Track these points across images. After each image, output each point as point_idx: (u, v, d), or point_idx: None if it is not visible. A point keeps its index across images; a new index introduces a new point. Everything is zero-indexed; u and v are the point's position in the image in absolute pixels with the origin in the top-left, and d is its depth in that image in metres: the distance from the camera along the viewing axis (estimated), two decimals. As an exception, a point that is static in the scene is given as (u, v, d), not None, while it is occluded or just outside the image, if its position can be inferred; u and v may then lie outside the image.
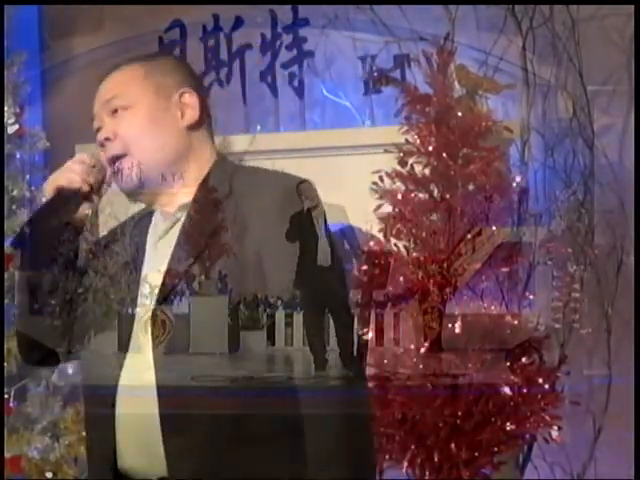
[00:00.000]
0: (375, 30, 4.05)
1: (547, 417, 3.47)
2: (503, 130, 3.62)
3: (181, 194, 2.07)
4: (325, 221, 1.97)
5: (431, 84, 3.57)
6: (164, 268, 2.02)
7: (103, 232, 2.13)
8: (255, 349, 1.98)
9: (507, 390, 3.38)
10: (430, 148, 3.50)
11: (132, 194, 2.10)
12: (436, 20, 3.87)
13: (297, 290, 1.94)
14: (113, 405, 2.00)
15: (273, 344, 1.97)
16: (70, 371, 3.79)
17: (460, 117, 3.51)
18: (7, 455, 3.68)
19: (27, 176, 3.96)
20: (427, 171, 3.52)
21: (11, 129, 3.94)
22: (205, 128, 2.11)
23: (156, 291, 2.02)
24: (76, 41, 4.72)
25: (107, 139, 2.08)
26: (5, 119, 3.91)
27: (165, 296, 1.99)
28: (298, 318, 1.96)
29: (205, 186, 2.06)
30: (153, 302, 2.01)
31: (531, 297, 3.64)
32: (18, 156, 3.96)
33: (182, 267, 1.99)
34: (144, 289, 2.04)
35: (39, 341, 2.11)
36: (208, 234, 1.99)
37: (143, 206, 2.16)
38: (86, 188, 2.08)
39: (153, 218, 2.13)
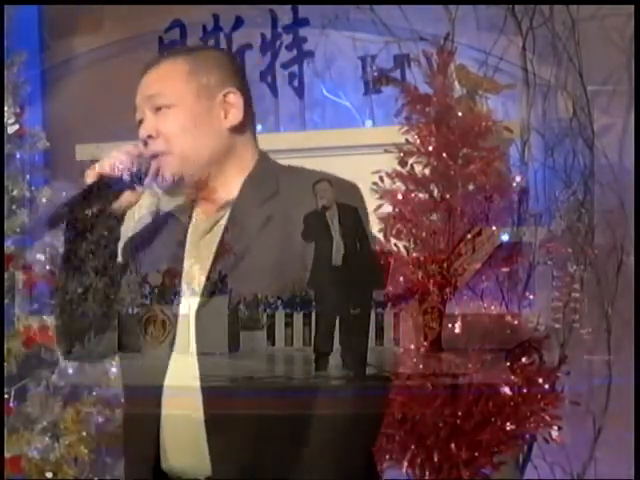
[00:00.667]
0: (375, 30, 4.05)
1: (547, 417, 3.47)
2: (503, 130, 3.62)
3: (223, 193, 2.06)
4: (340, 221, 1.96)
5: (431, 84, 3.57)
6: (207, 266, 2.00)
7: (103, 232, 2.12)
8: (255, 349, 1.98)
9: (507, 390, 3.38)
10: (430, 148, 3.50)
11: (171, 191, 2.09)
12: (436, 20, 3.87)
13: (311, 289, 1.94)
14: (158, 405, 2.00)
15: (273, 344, 1.97)
16: (70, 371, 3.79)
17: (460, 117, 3.51)
18: (7, 455, 3.68)
19: (27, 176, 3.96)
20: (427, 171, 3.52)
21: (11, 129, 3.94)
22: (248, 127, 2.09)
23: (156, 291, 2.02)
24: (76, 41, 4.72)
25: (149, 136, 2.06)
26: (5, 119, 3.91)
27: (209, 294, 1.98)
28: (298, 318, 1.96)
29: (248, 185, 2.05)
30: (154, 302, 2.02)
31: (531, 297, 3.64)
32: (18, 156, 3.96)
33: (226, 266, 1.98)
34: (144, 289, 2.04)
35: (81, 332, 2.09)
36: (251, 233, 1.98)
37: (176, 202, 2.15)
38: (128, 177, 2.05)
39: (193, 216, 2.11)
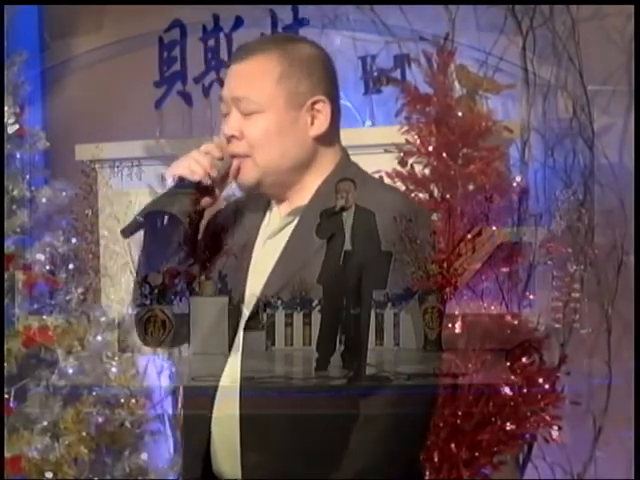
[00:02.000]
0: (375, 30, 4.05)
1: (547, 417, 3.47)
2: (503, 130, 3.62)
3: (297, 197, 2.05)
4: (354, 223, 1.95)
5: (431, 84, 3.57)
6: (269, 268, 2.01)
7: (103, 232, 2.12)
8: (255, 349, 1.98)
9: (507, 390, 3.38)
10: (430, 148, 3.50)
11: (247, 193, 2.10)
12: (436, 20, 3.87)
13: (320, 285, 1.93)
14: (211, 407, 2.00)
15: (273, 344, 1.97)
16: (70, 371, 3.79)
17: (460, 117, 3.51)
18: (7, 455, 3.68)
19: (27, 176, 3.96)
20: (427, 171, 3.52)
21: (11, 129, 3.93)
22: (333, 133, 2.06)
23: (156, 291, 2.02)
24: (76, 41, 4.72)
25: (233, 136, 2.03)
26: (5, 119, 3.91)
27: (270, 298, 1.97)
28: (298, 318, 1.96)
29: (321, 193, 2.03)
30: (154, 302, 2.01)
31: (531, 297, 3.64)
32: (18, 156, 3.96)
33: (287, 271, 1.98)
34: (144, 289, 2.04)
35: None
36: (318, 242, 1.96)
37: None
38: (207, 181, 2.03)
39: (267, 215, 2.11)
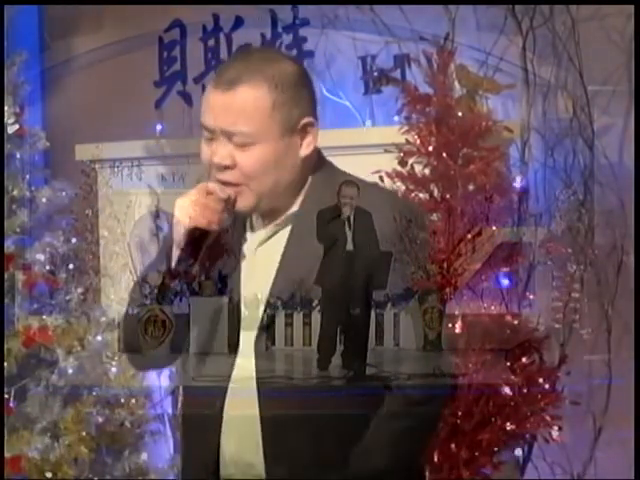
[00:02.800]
0: (375, 30, 4.05)
1: (547, 417, 3.47)
2: (503, 130, 3.62)
3: (284, 205, 2.05)
4: (354, 223, 1.95)
5: (431, 84, 3.57)
6: (263, 277, 2.01)
7: (103, 232, 2.12)
8: (255, 349, 1.98)
9: (507, 390, 3.38)
10: (430, 148, 3.50)
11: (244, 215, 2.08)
12: (436, 20, 3.87)
13: (318, 286, 1.94)
14: (222, 407, 2.00)
15: (273, 344, 1.97)
16: (70, 371, 3.79)
17: (460, 117, 3.50)
18: (7, 455, 3.68)
19: (27, 176, 3.96)
20: (427, 171, 3.52)
21: (11, 129, 3.94)
22: (316, 149, 2.07)
23: (156, 291, 2.02)
24: (76, 41, 4.72)
25: (226, 167, 2.00)
26: (5, 119, 3.91)
27: (279, 304, 1.97)
28: (298, 318, 1.96)
29: (310, 199, 2.04)
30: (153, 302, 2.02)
31: (531, 297, 3.64)
32: (18, 156, 3.96)
33: (292, 279, 1.98)
34: (144, 289, 2.04)
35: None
36: (319, 249, 1.96)
37: None
38: (219, 227, 2.01)
39: (248, 224, 2.10)
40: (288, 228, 2.04)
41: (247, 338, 1.99)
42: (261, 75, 1.99)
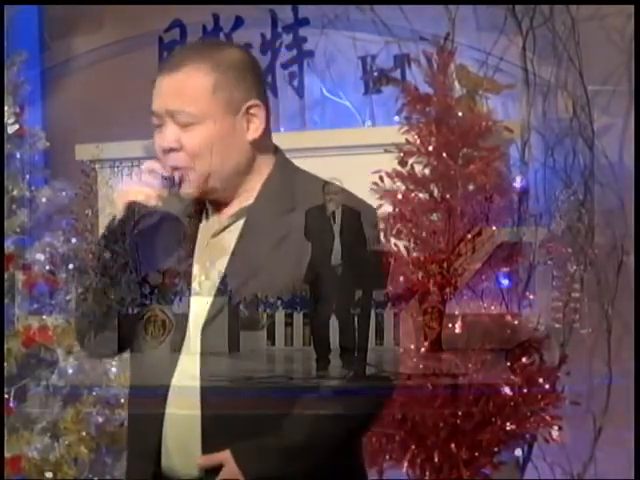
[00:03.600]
0: (375, 30, 4.05)
1: (547, 417, 3.47)
2: (503, 130, 3.62)
3: (240, 198, 2.06)
4: (342, 221, 1.96)
5: (431, 84, 3.57)
6: (214, 269, 2.02)
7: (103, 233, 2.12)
8: (255, 349, 1.98)
9: (507, 390, 3.38)
10: (430, 148, 3.50)
11: (191, 201, 2.09)
12: (436, 20, 3.87)
13: (307, 287, 1.94)
14: (162, 405, 2.00)
15: (273, 344, 1.97)
16: (70, 371, 3.79)
17: (460, 117, 3.51)
18: (7, 455, 3.68)
19: (27, 176, 3.96)
20: (427, 171, 3.52)
21: (11, 129, 3.93)
22: (268, 135, 2.08)
23: (156, 290, 2.03)
24: (76, 41, 4.72)
25: (172, 149, 2.02)
26: (5, 119, 3.91)
27: (215, 295, 1.99)
28: (298, 318, 1.96)
29: (265, 196, 2.05)
30: (154, 301, 2.02)
31: (531, 297, 3.64)
32: (18, 156, 3.96)
33: (242, 272, 1.99)
34: (144, 289, 2.04)
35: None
36: (267, 249, 1.99)
37: None
38: (160, 203, 2.03)
39: (204, 215, 2.11)
40: (242, 221, 2.05)
41: (194, 333, 2.00)
42: (203, 57, 2.04)
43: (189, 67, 2.02)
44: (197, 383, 1.97)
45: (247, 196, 2.06)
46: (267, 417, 1.94)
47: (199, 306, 2.01)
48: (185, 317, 2.02)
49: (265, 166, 2.08)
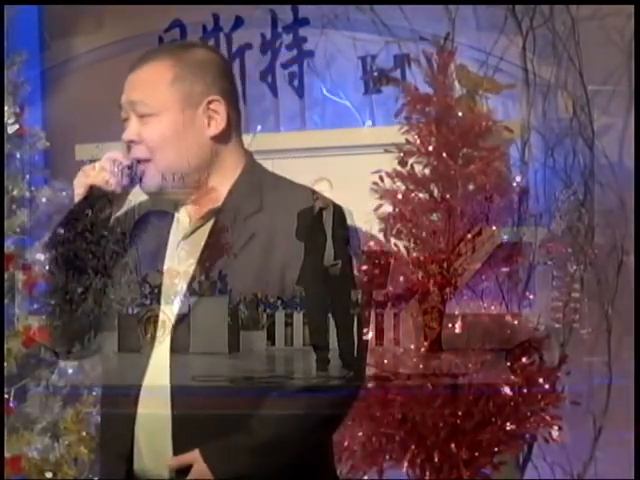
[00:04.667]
0: (375, 30, 4.05)
1: (547, 417, 3.47)
2: (503, 130, 3.62)
3: (208, 200, 2.07)
4: (334, 222, 1.96)
5: (431, 84, 3.57)
6: (189, 269, 2.02)
7: (104, 232, 2.13)
8: (255, 349, 1.98)
9: (507, 390, 3.38)
10: (430, 148, 3.50)
11: (153, 196, 2.10)
12: (436, 20, 3.87)
13: (301, 288, 1.95)
14: (135, 405, 2.01)
15: (273, 344, 1.97)
16: (70, 371, 3.79)
17: (460, 117, 3.50)
18: (7, 455, 3.68)
19: (27, 176, 3.95)
20: (427, 171, 3.52)
21: (11, 129, 3.93)
22: (233, 133, 2.09)
23: (156, 291, 2.03)
24: (76, 41, 4.72)
25: (132, 141, 2.06)
26: (5, 119, 3.91)
27: (193, 294, 2.00)
28: (298, 318, 1.96)
29: (233, 197, 2.05)
30: (154, 302, 2.02)
31: (531, 297, 3.64)
32: (18, 156, 3.96)
33: (209, 271, 2.00)
34: (144, 289, 2.04)
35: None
36: (236, 244, 1.99)
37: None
38: (119, 190, 2.06)
39: (176, 217, 2.12)
40: (210, 223, 2.06)
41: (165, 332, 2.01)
42: (166, 54, 2.09)
43: (152, 61, 2.07)
44: (167, 382, 1.97)
45: (212, 198, 2.06)
46: (236, 416, 1.95)
47: (169, 306, 2.02)
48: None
49: (232, 167, 2.08)
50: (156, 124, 2.04)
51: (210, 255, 2.02)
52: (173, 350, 1.99)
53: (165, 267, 2.06)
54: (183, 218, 2.10)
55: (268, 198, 2.03)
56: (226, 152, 2.08)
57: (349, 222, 2.02)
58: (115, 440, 2.06)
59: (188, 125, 2.04)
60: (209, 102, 2.05)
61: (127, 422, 2.01)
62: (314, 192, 1.99)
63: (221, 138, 2.07)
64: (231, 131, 2.08)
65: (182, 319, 2.00)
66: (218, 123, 2.06)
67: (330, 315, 1.94)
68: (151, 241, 2.09)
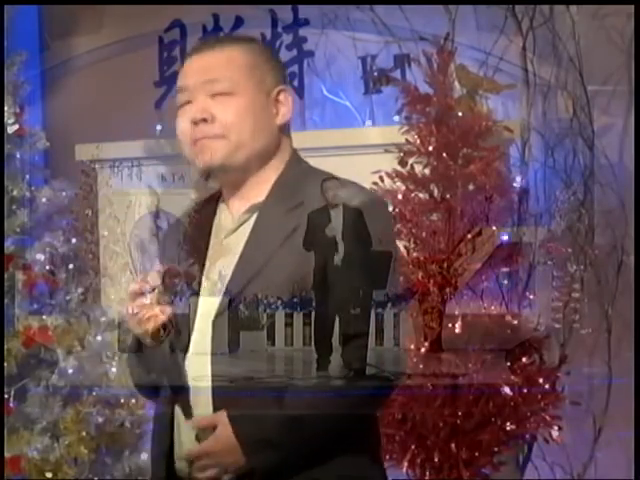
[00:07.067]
0: (375, 30, 4.05)
1: (547, 417, 3.47)
2: (503, 130, 3.62)
3: (252, 193, 2.08)
4: (344, 221, 1.96)
5: (431, 84, 3.57)
6: (231, 266, 2.02)
7: (103, 232, 2.13)
8: (255, 349, 1.98)
9: (507, 390, 3.38)
10: (430, 148, 3.50)
11: (210, 172, 2.10)
12: (436, 20, 3.87)
13: (314, 290, 1.95)
14: (172, 406, 2.04)
15: (273, 344, 1.97)
16: (70, 371, 3.79)
17: (460, 117, 3.51)
18: (7, 455, 3.67)
19: (27, 176, 3.95)
20: (427, 171, 3.52)
21: (11, 129, 3.93)
22: (290, 126, 2.14)
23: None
24: (76, 41, 4.72)
25: (204, 120, 2.06)
26: (5, 119, 3.91)
27: (233, 296, 1.99)
28: (298, 318, 1.96)
29: (276, 191, 2.07)
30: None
31: (531, 297, 3.64)
32: (18, 156, 3.95)
33: (251, 269, 2.00)
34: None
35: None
36: (276, 243, 2.00)
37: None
38: (169, 314, 2.02)
39: (218, 213, 2.14)
40: (253, 218, 2.07)
41: (200, 336, 2.01)
42: (237, 42, 2.15)
43: (226, 47, 2.10)
44: (209, 383, 1.98)
45: (258, 191, 2.08)
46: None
47: (210, 305, 2.01)
48: (188, 317, 2.02)
49: (281, 161, 2.11)
50: (232, 102, 2.06)
51: (252, 252, 2.02)
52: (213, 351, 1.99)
53: (207, 265, 2.06)
54: (226, 214, 2.12)
55: (310, 191, 2.03)
56: (284, 144, 2.12)
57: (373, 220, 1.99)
58: (158, 439, 2.09)
59: (261, 109, 2.08)
60: (279, 92, 2.10)
61: (167, 420, 2.04)
62: (324, 189, 1.99)
63: (284, 128, 2.11)
64: (290, 124, 2.13)
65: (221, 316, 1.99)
66: (285, 113, 2.10)
67: (337, 315, 1.95)
68: (195, 241, 2.10)
